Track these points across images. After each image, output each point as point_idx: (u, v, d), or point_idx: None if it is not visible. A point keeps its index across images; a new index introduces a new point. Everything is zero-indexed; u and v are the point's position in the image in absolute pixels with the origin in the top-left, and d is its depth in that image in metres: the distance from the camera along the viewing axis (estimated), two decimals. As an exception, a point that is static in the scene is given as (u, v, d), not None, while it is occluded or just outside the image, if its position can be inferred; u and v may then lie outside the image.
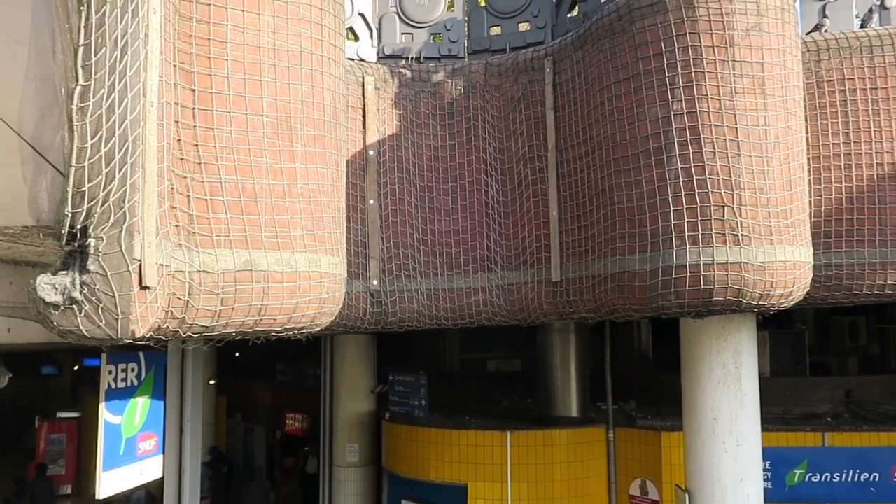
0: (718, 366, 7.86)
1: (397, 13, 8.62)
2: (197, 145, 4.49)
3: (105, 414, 7.12)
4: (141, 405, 7.76)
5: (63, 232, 3.65)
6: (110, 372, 7.24)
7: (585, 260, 6.96)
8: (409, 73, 8.04)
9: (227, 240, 4.58)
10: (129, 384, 7.53)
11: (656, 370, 14.22)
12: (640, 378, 13.44)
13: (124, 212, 3.71)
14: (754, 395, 7.91)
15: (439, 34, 8.71)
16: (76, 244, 3.69)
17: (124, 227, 3.71)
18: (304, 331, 5.24)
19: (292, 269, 4.85)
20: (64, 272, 3.71)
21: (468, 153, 7.95)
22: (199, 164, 4.50)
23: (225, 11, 4.69)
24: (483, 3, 8.70)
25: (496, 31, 8.65)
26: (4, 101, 3.78)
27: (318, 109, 5.14)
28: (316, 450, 15.00)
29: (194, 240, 4.42)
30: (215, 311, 4.53)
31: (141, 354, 7.69)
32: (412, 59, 8.59)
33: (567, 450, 11.07)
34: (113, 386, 7.28)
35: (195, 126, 4.47)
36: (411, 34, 8.62)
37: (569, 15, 8.33)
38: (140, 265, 3.74)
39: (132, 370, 7.59)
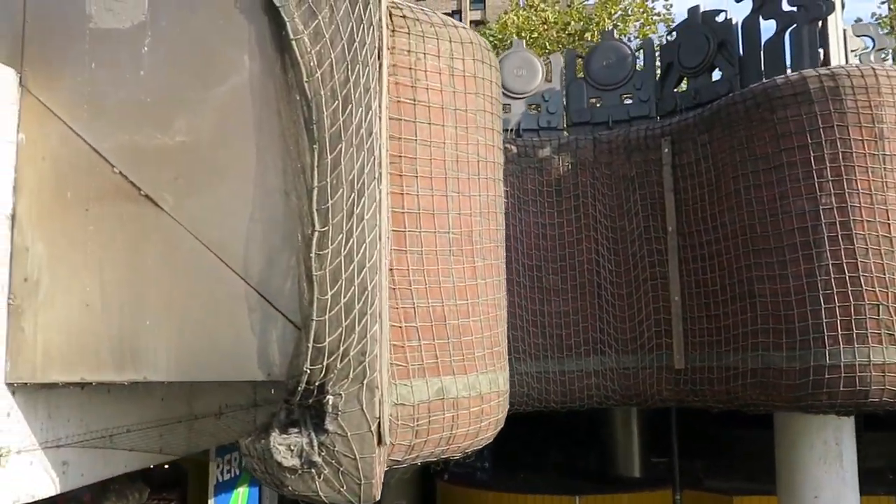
0: (819, 442, 7.67)
1: (496, 84, 8.45)
2: (392, 269, 4.26)
3: (214, 510, 6.83)
4: (242, 493, 7.49)
5: (299, 389, 3.40)
6: (218, 465, 6.96)
7: (717, 350, 6.76)
8: (514, 149, 7.86)
9: (420, 368, 4.34)
10: (232, 475, 7.25)
11: (719, 422, 13.96)
12: (701, 429, 13.18)
13: (364, 367, 3.46)
14: (854, 473, 7.72)
15: (537, 105, 8.55)
16: (311, 400, 3.44)
17: (364, 383, 3.46)
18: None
19: (477, 392, 4.62)
20: (296, 431, 3.45)
21: (577, 231, 7.76)
22: (394, 289, 4.27)
23: (414, 126, 4.49)
24: (582, 75, 8.55)
25: (596, 102, 8.50)
26: (230, 244, 3.54)
27: (493, 219, 4.93)
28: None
29: (392, 371, 4.18)
30: (409, 445, 4.28)
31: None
32: (511, 130, 8.42)
33: (633, 514, 10.80)
34: (220, 479, 7.00)
35: (390, 250, 4.24)
36: (509, 105, 8.45)
37: (675, 89, 8.19)
38: (379, 422, 3.50)
39: (234, 459, 7.31)
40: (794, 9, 6.97)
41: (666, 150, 7.35)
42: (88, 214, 3.63)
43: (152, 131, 3.65)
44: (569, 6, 19.16)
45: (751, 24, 7.34)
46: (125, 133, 3.66)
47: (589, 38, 17.71)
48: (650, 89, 8.22)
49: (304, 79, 3.54)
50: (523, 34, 17.30)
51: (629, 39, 18.47)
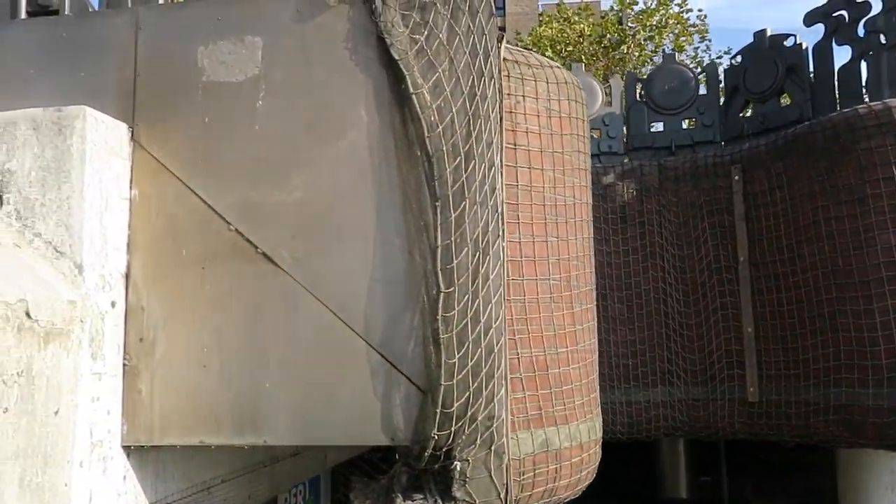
0: (886, 471, 7.49)
1: (556, 109, 8.35)
2: (497, 320, 4.16)
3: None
4: (304, 527, 7.42)
5: (425, 455, 3.31)
6: (286, 499, 6.90)
7: (795, 385, 6.62)
8: (577, 175, 7.74)
9: (525, 420, 4.25)
10: (298, 507, 7.19)
11: (769, 442, 13.76)
12: (750, 450, 12.99)
13: (492, 432, 3.37)
14: (923, 503, 7.55)
15: (597, 129, 8.44)
16: (436, 466, 3.36)
17: (492, 448, 3.37)
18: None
19: (578, 441, 4.52)
20: (421, 497, 3.37)
21: (643, 259, 7.65)
22: (499, 340, 4.17)
23: (515, 171, 4.40)
24: (643, 98, 8.44)
25: (658, 127, 8.38)
26: (351, 304, 3.45)
27: (587, 262, 4.84)
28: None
29: (499, 425, 4.08)
30: (516, 500, 4.18)
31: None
32: (571, 155, 8.30)
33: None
34: (287, 512, 6.94)
35: (497, 300, 4.15)
36: (569, 130, 8.33)
37: (741, 114, 8.06)
38: (507, 488, 3.40)
39: (300, 492, 7.25)
40: (872, 35, 6.83)
41: (736, 177, 7.23)
42: (205, 273, 3.56)
43: (269, 188, 3.58)
44: (603, 18, 19.04)
45: (823, 49, 7.21)
46: (241, 189, 3.59)
47: (625, 51, 17.58)
48: (714, 114, 8.10)
49: (426, 134, 3.45)
50: (558, 47, 17.20)
51: (664, 51, 18.31)
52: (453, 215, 3.42)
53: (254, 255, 3.55)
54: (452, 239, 3.41)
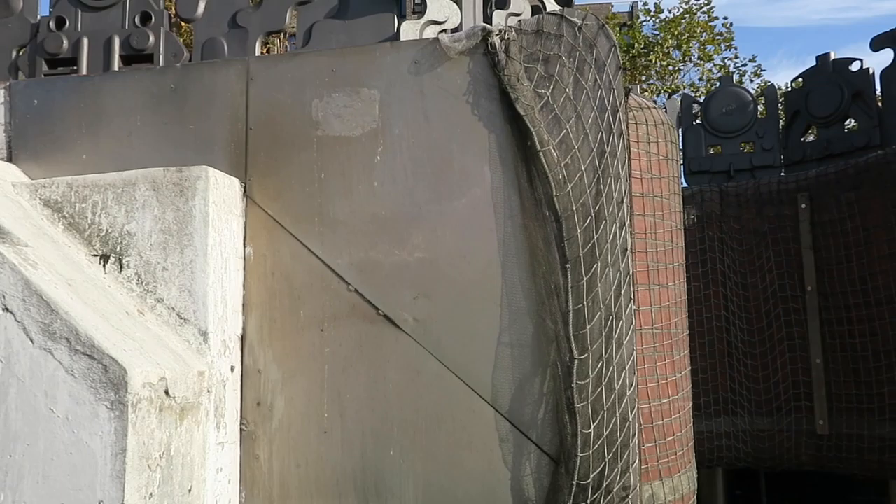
0: None
1: (612, 132, 8.24)
2: (604, 374, 4.05)
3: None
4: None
5: (559, 526, 3.21)
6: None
7: (868, 419, 6.49)
8: (637, 201, 7.62)
9: (632, 476, 4.12)
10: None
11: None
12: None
13: (627, 503, 3.27)
14: None
15: (653, 152, 8.31)
16: (569, 537, 3.25)
17: (627, 520, 3.27)
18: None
19: (680, 493, 4.40)
20: (553, 567, 3.26)
21: (705, 287, 7.52)
22: (607, 394, 4.06)
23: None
24: (699, 121, 8.32)
25: (716, 150, 8.26)
26: (476, 368, 3.34)
27: (684, 307, 4.72)
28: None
29: (608, 482, 3.97)
30: (624, 558, 4.06)
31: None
32: (627, 179, 8.19)
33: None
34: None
35: (603, 353, 4.04)
36: (624, 153, 8.22)
37: (802, 139, 7.93)
38: (640, 561, 3.30)
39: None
40: (947, 62, 6.71)
41: (803, 205, 7.09)
42: (324, 335, 3.45)
43: (389, 247, 3.47)
44: (629, 26, 18.90)
45: (892, 74, 7.08)
46: (360, 248, 3.48)
47: (653, 61, 17.46)
48: (774, 138, 7.97)
49: (554, 193, 3.35)
50: (585, 56, 17.02)
51: (692, 59, 18.20)
52: (585, 278, 3.31)
53: (374, 316, 3.44)
54: (584, 303, 3.30)
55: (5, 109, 3.77)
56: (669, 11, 19.05)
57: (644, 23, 18.81)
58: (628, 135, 3.59)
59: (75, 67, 4.20)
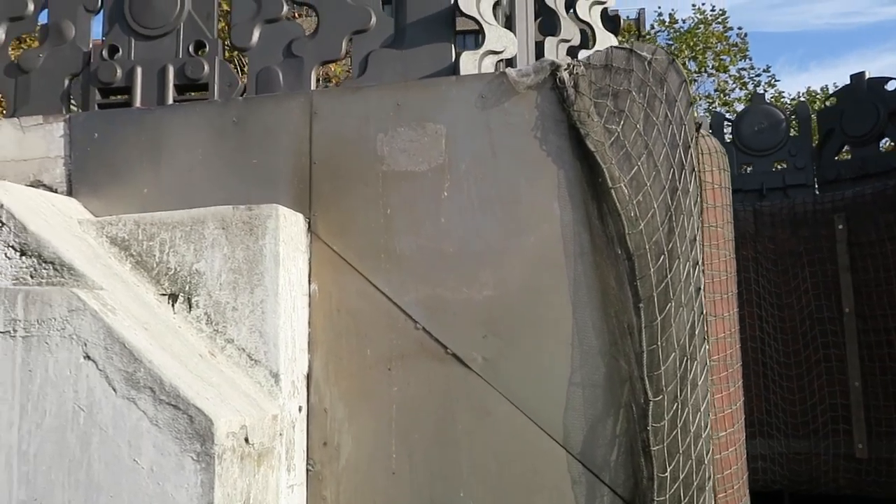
0: None
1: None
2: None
3: None
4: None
5: (634, 571, 3.16)
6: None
7: (909, 444, 6.44)
8: (670, 220, 7.58)
9: (691, 512, 4.06)
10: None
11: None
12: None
13: (702, 548, 3.22)
14: None
15: (684, 170, 8.27)
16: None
17: (702, 564, 3.22)
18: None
19: (736, 529, 4.33)
20: None
21: (739, 308, 7.45)
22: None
23: (677, 250, 4.22)
24: (731, 139, 8.27)
25: (747, 168, 8.21)
26: (547, 409, 3.29)
27: (737, 337, 4.66)
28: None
29: (670, 519, 3.91)
30: None
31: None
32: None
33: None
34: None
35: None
36: (655, 171, 8.17)
37: (836, 158, 7.88)
38: None
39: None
40: None
41: (840, 226, 7.04)
42: (391, 374, 3.40)
43: (456, 284, 3.42)
44: (645, 38, 18.87)
45: (929, 95, 7.04)
46: (427, 285, 3.43)
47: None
48: (807, 156, 7.92)
49: (626, 231, 3.30)
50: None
51: (707, 70, 18.18)
52: (658, 318, 3.26)
53: (443, 355, 3.39)
54: (658, 343, 3.25)
55: (65, 142, 3.74)
56: (683, 21, 18.97)
57: (658, 33, 18.78)
58: (700, 171, 3.54)
59: (128, 96, 4.15)
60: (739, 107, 16.45)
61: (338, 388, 3.43)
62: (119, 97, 4.23)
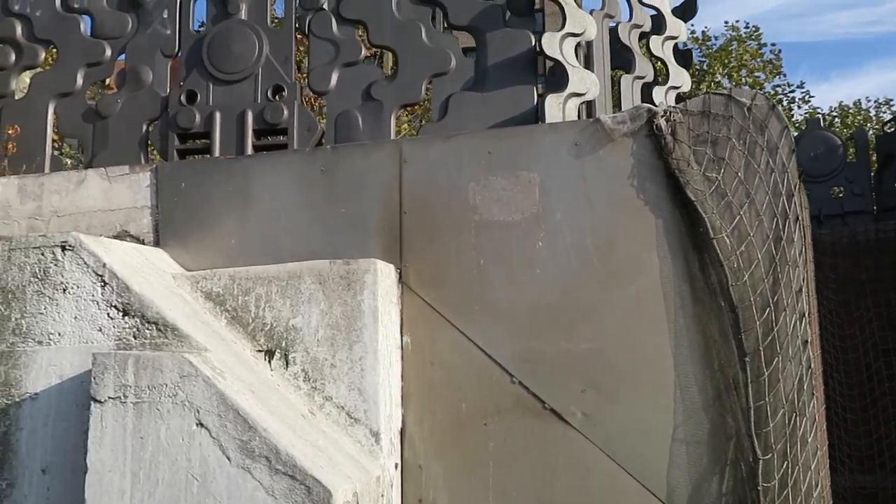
0: None
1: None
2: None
3: None
4: None
5: None
6: None
7: (985, 480, 6.25)
8: (726, 249, 7.46)
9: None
10: None
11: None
12: None
13: None
14: None
15: (737, 197, 8.15)
16: None
17: None
18: None
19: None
20: None
21: (800, 338, 7.31)
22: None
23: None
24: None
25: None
26: (650, 466, 3.20)
27: (821, 374, 4.55)
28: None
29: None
30: None
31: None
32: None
33: None
34: None
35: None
36: (708, 197, 8.06)
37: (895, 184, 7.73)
38: None
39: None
40: None
41: (904, 255, 6.89)
42: (487, 429, 3.33)
43: (553, 336, 3.35)
44: (678, 55, 18.74)
45: None
46: (523, 338, 3.36)
47: (704, 90, 17.27)
48: (865, 182, 7.77)
49: (729, 282, 3.21)
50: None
51: (739, 85, 17.98)
52: (766, 372, 3.17)
53: (541, 410, 3.32)
54: (766, 399, 3.15)
55: (152, 192, 3.72)
56: (715, 39, 18.81)
57: (692, 50, 18.63)
58: (804, 220, 3.45)
59: (208, 141, 4.13)
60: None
61: (432, 443, 3.36)
62: (198, 142, 4.21)
